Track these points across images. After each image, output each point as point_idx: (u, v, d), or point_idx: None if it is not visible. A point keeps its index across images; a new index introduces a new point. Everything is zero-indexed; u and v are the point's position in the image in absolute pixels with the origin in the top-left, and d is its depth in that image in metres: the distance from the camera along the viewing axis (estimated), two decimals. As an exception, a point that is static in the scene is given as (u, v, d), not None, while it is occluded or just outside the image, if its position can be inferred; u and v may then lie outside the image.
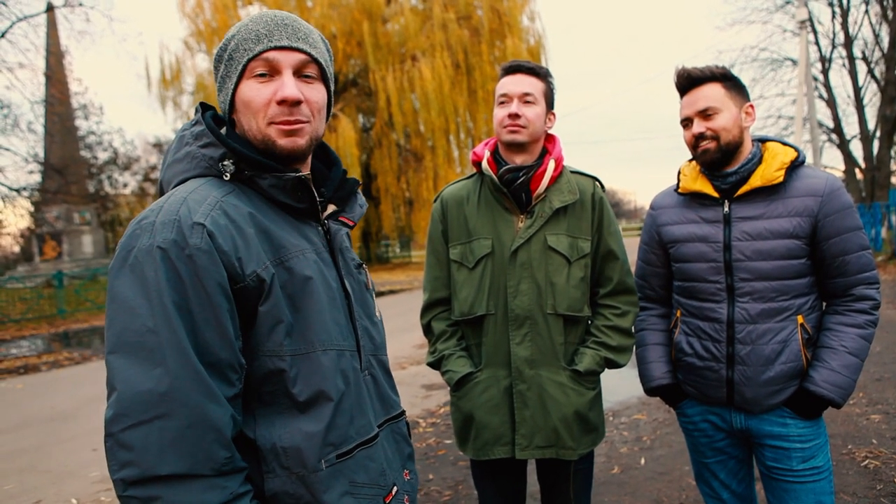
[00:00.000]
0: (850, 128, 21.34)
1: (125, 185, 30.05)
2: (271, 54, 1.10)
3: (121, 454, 0.92)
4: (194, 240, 0.98)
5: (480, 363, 2.00)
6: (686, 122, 1.91)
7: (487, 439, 1.95)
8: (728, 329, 1.89)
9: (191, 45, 23.57)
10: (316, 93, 1.15)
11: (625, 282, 2.03)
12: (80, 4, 17.36)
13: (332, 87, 1.23)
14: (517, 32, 22.59)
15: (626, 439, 4.25)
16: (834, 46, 20.47)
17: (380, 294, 15.16)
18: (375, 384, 1.25)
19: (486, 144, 2.07)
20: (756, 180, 1.84)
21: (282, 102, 1.09)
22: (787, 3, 20.24)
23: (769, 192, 1.85)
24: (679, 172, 2.06)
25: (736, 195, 1.88)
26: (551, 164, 1.96)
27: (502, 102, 1.97)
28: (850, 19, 19.97)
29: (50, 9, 18.25)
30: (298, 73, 1.13)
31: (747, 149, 1.89)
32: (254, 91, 1.11)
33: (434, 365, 2.08)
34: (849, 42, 19.85)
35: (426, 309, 2.14)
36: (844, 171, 20.88)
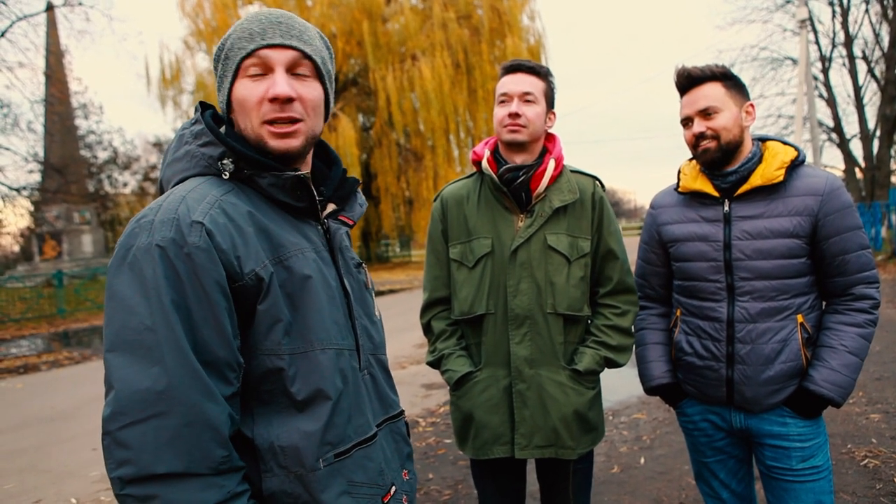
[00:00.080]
0: (850, 127, 21.36)
1: (125, 185, 30.07)
2: (264, 52, 1.10)
3: (118, 452, 0.92)
4: (193, 238, 0.98)
5: (480, 362, 2.00)
6: (686, 122, 1.91)
7: (487, 439, 1.95)
8: (728, 328, 1.88)
9: (191, 44, 23.58)
10: (310, 90, 1.14)
11: (625, 281, 2.03)
12: (80, 4, 17.36)
13: (332, 85, 1.22)
14: (517, 32, 22.58)
15: (626, 439, 4.25)
16: (834, 46, 20.48)
17: (379, 293, 15.16)
18: (374, 383, 1.24)
19: (486, 143, 2.07)
20: (756, 179, 1.84)
21: (273, 100, 1.09)
22: (788, 2, 20.23)
23: (769, 191, 1.85)
24: (679, 172, 2.05)
25: (736, 194, 1.88)
26: (551, 164, 1.96)
27: (502, 101, 1.97)
28: (851, 18, 19.99)
29: (50, 8, 18.25)
30: (292, 70, 1.12)
31: (747, 148, 1.89)
32: (247, 89, 1.11)
33: (434, 364, 2.08)
34: (849, 41, 19.85)
35: (426, 308, 2.14)
36: (844, 171, 20.88)
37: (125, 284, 0.97)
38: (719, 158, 1.86)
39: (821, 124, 19.92)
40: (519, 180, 1.94)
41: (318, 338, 1.09)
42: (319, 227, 1.21)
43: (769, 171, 1.83)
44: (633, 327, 2.06)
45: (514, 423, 1.93)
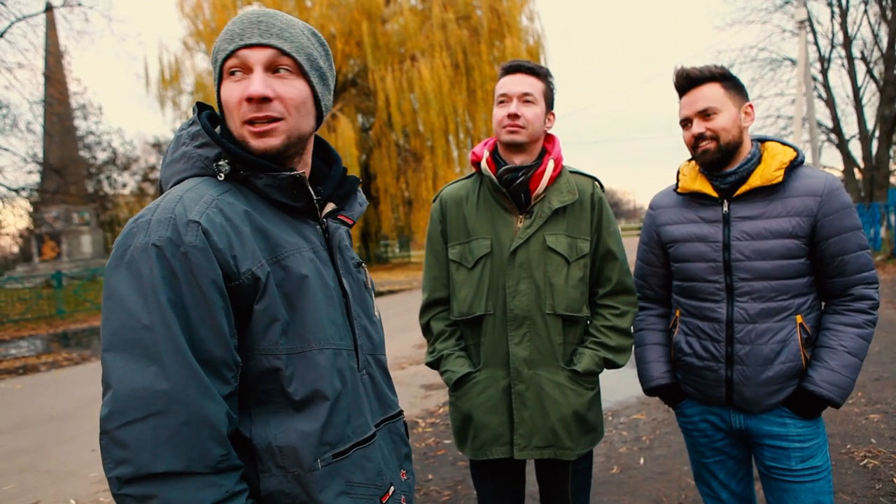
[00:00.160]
0: (849, 127, 21.46)
1: (124, 186, 30.04)
2: (243, 52, 1.09)
3: (116, 452, 0.92)
4: (189, 237, 0.98)
5: (479, 363, 2.00)
6: (685, 123, 1.91)
7: (486, 439, 1.95)
8: (727, 329, 1.88)
9: (190, 45, 23.58)
10: (290, 88, 1.12)
11: (624, 282, 2.03)
12: (79, 4, 17.37)
13: (326, 82, 1.20)
14: (516, 32, 22.60)
15: (626, 439, 4.25)
16: (833, 46, 20.52)
17: (379, 294, 15.15)
18: (373, 384, 1.24)
19: (485, 144, 2.07)
20: (755, 180, 1.84)
21: (249, 100, 1.08)
22: (787, 3, 20.27)
23: (768, 191, 1.85)
24: (678, 172, 2.05)
25: (735, 195, 1.88)
26: (550, 165, 1.95)
27: (502, 102, 1.97)
28: (849, 19, 20.03)
29: (49, 9, 18.25)
30: (272, 69, 1.11)
31: (746, 149, 1.89)
32: (229, 90, 1.11)
33: (433, 365, 2.08)
34: (848, 42, 19.88)
35: (425, 309, 2.13)
36: (843, 171, 20.92)
37: (122, 284, 0.97)
38: (718, 159, 1.86)
39: (820, 125, 19.94)
40: (518, 181, 1.94)
41: (315, 338, 1.09)
42: (318, 227, 1.20)
43: (768, 171, 1.83)
44: (632, 328, 2.06)
45: (513, 424, 1.93)
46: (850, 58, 19.98)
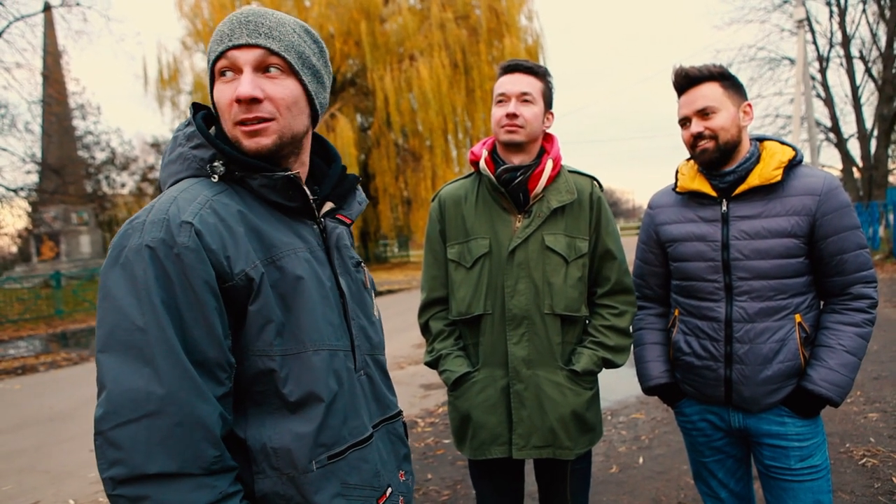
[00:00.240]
0: (848, 127, 21.51)
1: (123, 186, 29.97)
2: (231, 53, 1.08)
3: (110, 452, 0.92)
4: (182, 238, 0.98)
5: (478, 363, 1.99)
6: (684, 122, 1.91)
7: (484, 439, 1.95)
8: (726, 328, 1.88)
9: (189, 44, 23.57)
10: (280, 88, 1.10)
11: (622, 281, 2.03)
12: (78, 4, 17.36)
13: (321, 80, 1.19)
14: (515, 32, 22.60)
15: (625, 438, 4.25)
16: (831, 45, 20.51)
17: (378, 294, 15.13)
18: (371, 384, 1.23)
19: (483, 144, 2.07)
20: (754, 179, 1.84)
21: (239, 101, 1.07)
22: (785, 2, 20.27)
23: (767, 191, 1.85)
24: (677, 171, 2.05)
25: (734, 194, 1.87)
26: (549, 164, 1.95)
27: (500, 102, 1.97)
28: (848, 18, 20.03)
29: (47, 8, 18.24)
30: (262, 69, 1.10)
31: (745, 148, 1.89)
32: (220, 92, 1.10)
33: (432, 364, 2.08)
34: (846, 41, 19.88)
35: (424, 308, 2.13)
36: (842, 170, 20.92)
37: (117, 285, 0.96)
38: (717, 158, 1.86)
39: (818, 124, 19.95)
40: (517, 180, 1.94)
41: (310, 339, 1.09)
42: (315, 227, 1.20)
43: (767, 170, 1.83)
44: (630, 328, 2.06)
45: (512, 424, 1.93)
46: (848, 57, 20.00)
